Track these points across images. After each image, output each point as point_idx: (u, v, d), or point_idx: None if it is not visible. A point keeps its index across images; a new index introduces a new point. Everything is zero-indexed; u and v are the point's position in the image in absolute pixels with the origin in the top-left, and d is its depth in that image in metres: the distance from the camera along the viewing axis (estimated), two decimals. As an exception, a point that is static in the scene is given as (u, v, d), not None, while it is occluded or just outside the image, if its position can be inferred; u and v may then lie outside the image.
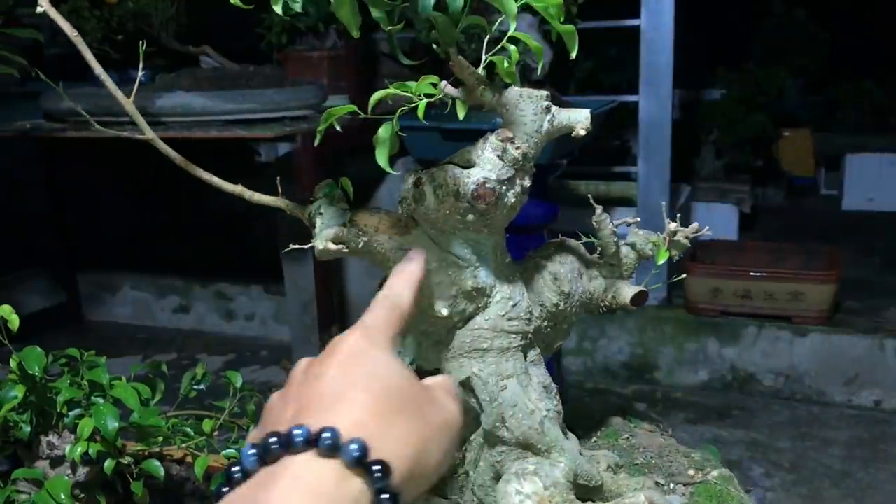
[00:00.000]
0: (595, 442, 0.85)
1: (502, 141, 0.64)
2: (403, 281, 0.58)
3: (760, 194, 4.20)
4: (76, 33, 0.68)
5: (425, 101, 0.63)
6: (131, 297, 3.36)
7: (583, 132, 0.65)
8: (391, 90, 0.64)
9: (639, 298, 0.75)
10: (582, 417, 0.90)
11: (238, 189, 0.73)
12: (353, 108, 0.65)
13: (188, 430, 1.17)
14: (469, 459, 0.70)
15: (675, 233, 0.82)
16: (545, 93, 0.65)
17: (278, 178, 0.79)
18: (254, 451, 0.46)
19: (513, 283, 0.69)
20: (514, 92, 0.65)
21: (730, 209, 3.52)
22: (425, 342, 0.70)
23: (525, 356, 0.69)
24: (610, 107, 2.30)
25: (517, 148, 0.64)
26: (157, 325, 3.31)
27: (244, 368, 2.90)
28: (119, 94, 0.70)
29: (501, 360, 0.67)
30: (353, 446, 0.43)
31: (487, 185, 0.64)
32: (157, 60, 2.77)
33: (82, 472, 1.10)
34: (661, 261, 0.80)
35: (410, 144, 2.31)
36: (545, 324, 0.71)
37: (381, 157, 0.65)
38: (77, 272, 3.38)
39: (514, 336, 0.68)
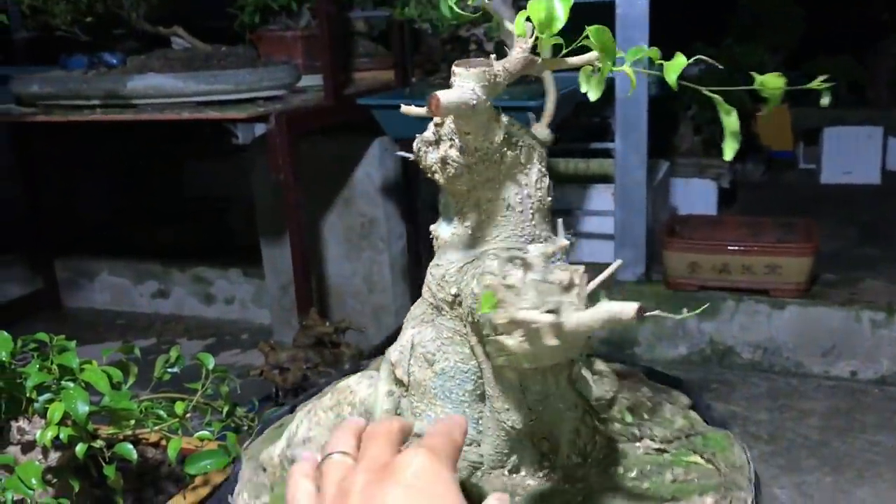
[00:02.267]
0: None
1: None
2: (454, 427, 0.56)
3: (739, 169, 4.21)
4: None
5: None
6: (109, 282, 3.33)
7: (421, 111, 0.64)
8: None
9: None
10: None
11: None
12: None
13: (161, 412, 1.16)
14: None
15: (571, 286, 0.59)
16: (473, 70, 0.63)
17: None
18: None
19: (453, 252, 0.70)
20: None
21: (708, 184, 3.53)
22: None
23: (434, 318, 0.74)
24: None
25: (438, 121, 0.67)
26: (136, 310, 3.29)
27: (225, 352, 2.89)
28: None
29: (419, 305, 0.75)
30: None
31: (416, 141, 0.69)
32: (128, 43, 2.74)
33: (54, 456, 1.09)
34: (485, 311, 0.59)
35: (386, 122, 2.30)
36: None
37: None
38: (54, 258, 3.35)
39: (428, 295, 0.73)
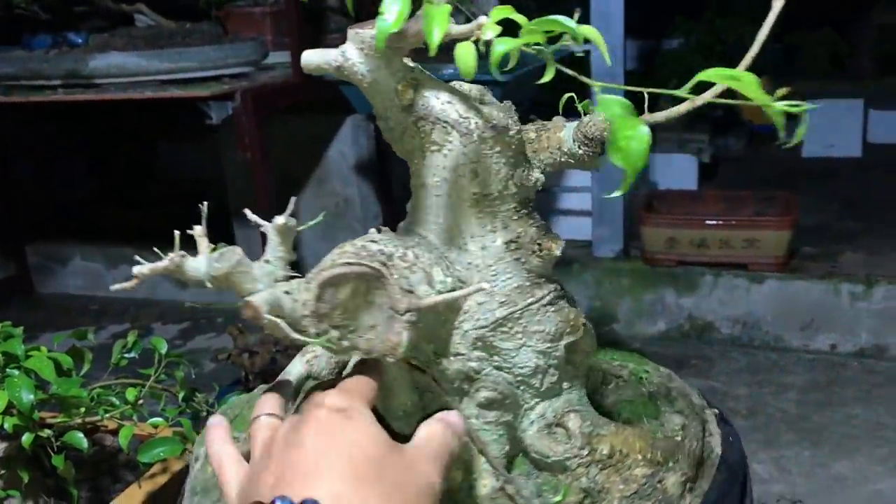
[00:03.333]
0: None
1: None
2: (373, 370, 0.59)
3: (720, 143, 4.18)
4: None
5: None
6: (82, 267, 3.28)
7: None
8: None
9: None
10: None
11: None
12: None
13: (114, 399, 1.13)
14: None
15: None
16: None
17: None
18: None
19: None
20: None
21: (689, 159, 3.49)
22: None
23: None
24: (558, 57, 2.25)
25: None
26: (109, 295, 3.24)
27: (200, 336, 2.85)
28: None
29: None
30: None
31: None
32: (93, 21, 2.67)
33: (0, 447, 1.06)
34: None
35: (355, 99, 2.25)
36: None
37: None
38: (25, 244, 3.29)
39: None
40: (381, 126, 0.63)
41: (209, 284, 0.58)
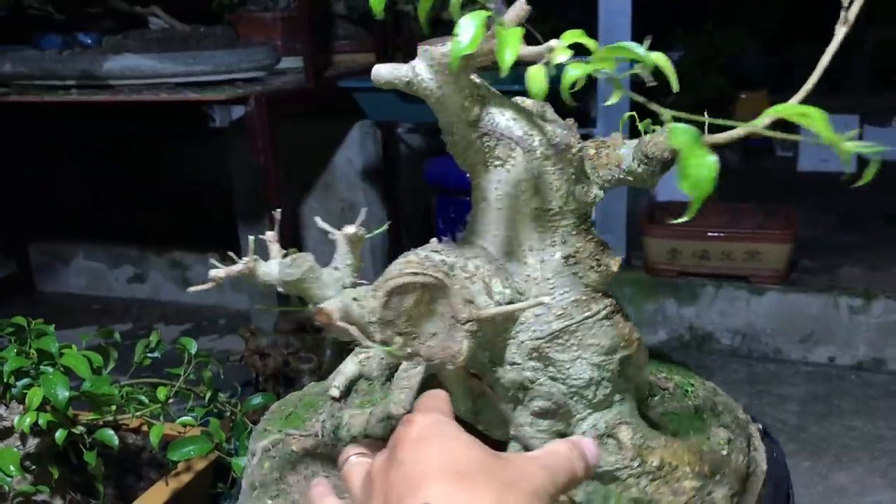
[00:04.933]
0: None
1: None
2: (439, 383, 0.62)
3: (718, 156, 4.21)
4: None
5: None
6: (84, 266, 3.29)
7: None
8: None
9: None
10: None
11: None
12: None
13: (142, 398, 1.14)
14: None
15: None
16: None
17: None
18: None
19: None
20: None
21: (688, 171, 3.53)
22: None
23: None
24: (569, 67, 2.28)
25: None
26: (111, 294, 3.25)
27: (202, 337, 2.86)
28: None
29: None
30: None
31: None
32: (104, 22, 2.69)
33: (32, 443, 1.07)
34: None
35: (367, 105, 2.28)
36: None
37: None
38: (27, 242, 3.30)
39: None
40: (446, 140, 0.64)
41: (281, 289, 0.61)
